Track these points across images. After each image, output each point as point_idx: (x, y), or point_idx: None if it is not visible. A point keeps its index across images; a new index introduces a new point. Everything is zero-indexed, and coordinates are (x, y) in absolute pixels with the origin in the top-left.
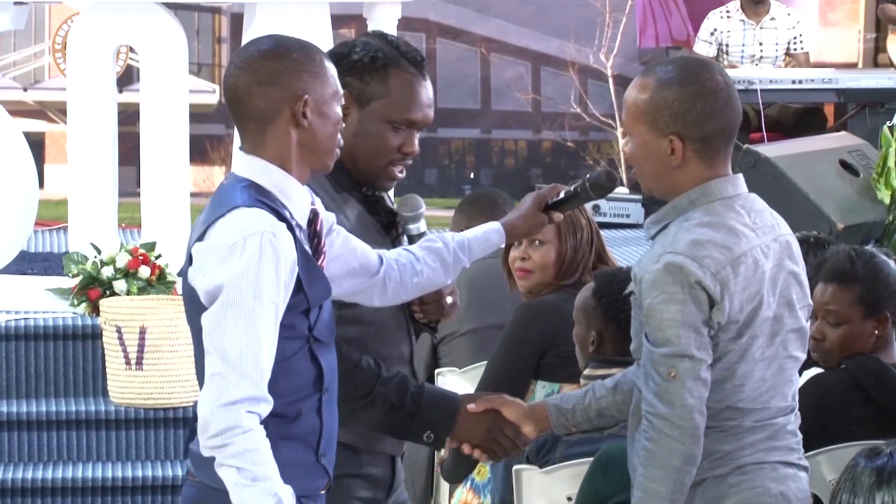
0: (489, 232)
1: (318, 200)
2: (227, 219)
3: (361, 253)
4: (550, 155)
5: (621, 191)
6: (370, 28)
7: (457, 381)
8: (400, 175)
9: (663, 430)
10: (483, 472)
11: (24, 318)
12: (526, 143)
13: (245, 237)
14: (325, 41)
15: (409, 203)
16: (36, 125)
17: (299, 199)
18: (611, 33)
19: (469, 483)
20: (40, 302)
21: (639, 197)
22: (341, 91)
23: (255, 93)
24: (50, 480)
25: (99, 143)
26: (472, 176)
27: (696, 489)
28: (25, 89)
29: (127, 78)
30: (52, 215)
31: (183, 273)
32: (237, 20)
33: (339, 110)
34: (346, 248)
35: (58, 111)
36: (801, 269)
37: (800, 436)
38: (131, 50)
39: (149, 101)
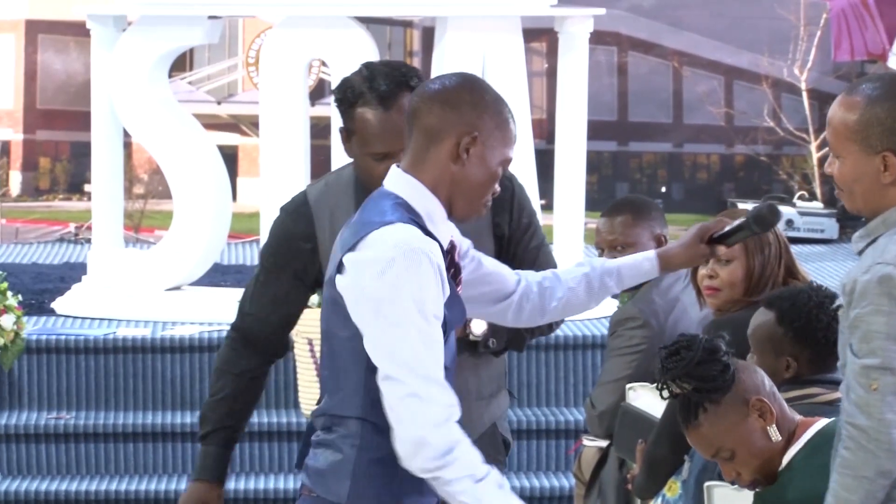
0: (642, 261)
1: (456, 231)
2: (383, 232)
3: (494, 278)
4: (743, 169)
5: (815, 206)
6: (560, 42)
7: (649, 395)
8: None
9: (861, 442)
10: (674, 488)
11: (218, 330)
12: (718, 157)
13: (405, 251)
14: (516, 56)
15: None
16: (229, 138)
17: (444, 228)
18: (805, 46)
19: (660, 499)
20: (233, 314)
21: (833, 212)
22: (510, 156)
23: (434, 109)
24: (252, 491)
25: (291, 156)
26: (663, 190)
27: None
28: (219, 103)
29: (319, 91)
30: (244, 228)
31: (330, 280)
32: (429, 34)
33: (499, 172)
34: (476, 275)
35: (251, 124)
36: None
37: None
38: (323, 63)
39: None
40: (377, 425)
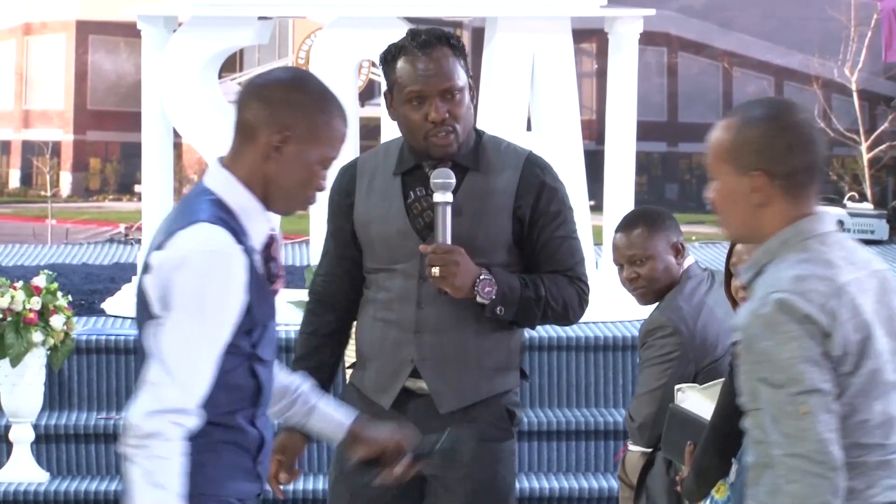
0: (341, 417)
1: (277, 225)
2: (188, 231)
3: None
4: None
5: (866, 207)
6: (610, 43)
7: (697, 396)
8: (445, 141)
9: (805, 469)
10: (722, 489)
11: None
12: None
13: (199, 252)
14: (566, 56)
15: (439, 174)
16: None
17: (259, 223)
18: (855, 47)
19: (709, 500)
20: (282, 314)
21: (883, 213)
22: (332, 156)
23: (251, 105)
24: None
25: (341, 157)
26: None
27: None
28: None
29: (368, 92)
30: (293, 228)
31: (139, 279)
32: (478, 35)
33: (319, 171)
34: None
35: None
36: None
37: None
38: (373, 64)
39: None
40: None
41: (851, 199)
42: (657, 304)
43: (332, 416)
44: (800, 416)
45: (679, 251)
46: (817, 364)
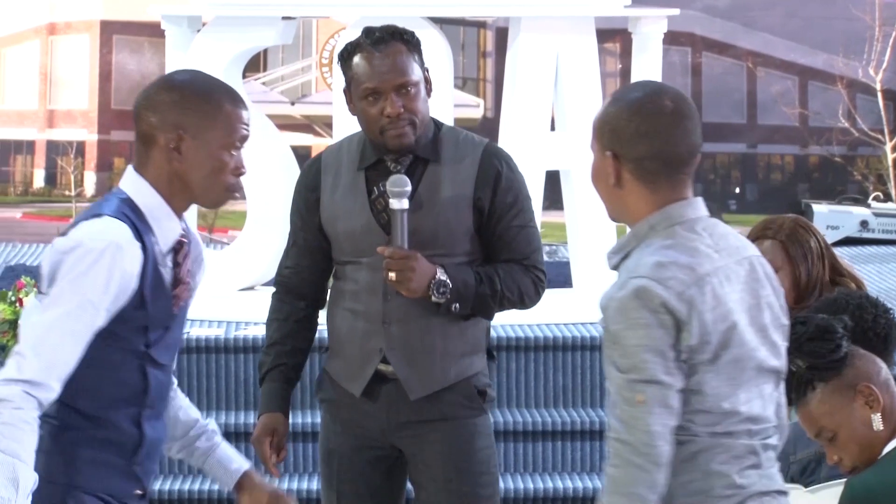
0: (235, 465)
1: (195, 237)
2: (90, 222)
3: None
4: (818, 170)
5: (890, 207)
6: (634, 43)
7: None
8: (400, 133)
9: (626, 456)
10: None
11: None
12: (793, 157)
13: (92, 239)
14: (590, 56)
15: (395, 182)
16: (303, 139)
17: (167, 226)
18: (880, 47)
19: None
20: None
21: None
22: (238, 137)
23: (142, 115)
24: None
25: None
26: (737, 191)
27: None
28: (293, 103)
29: None
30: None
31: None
32: (502, 34)
33: (227, 156)
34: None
35: (324, 125)
36: (770, 290)
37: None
38: None
39: None
40: (65, 403)
41: (876, 198)
42: None
43: (227, 464)
44: (635, 403)
45: None
46: (662, 355)
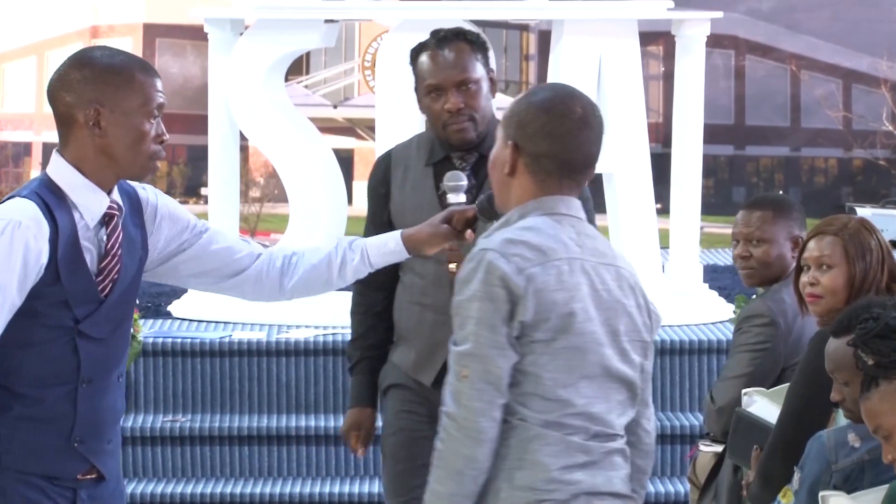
0: (387, 240)
1: (149, 199)
2: (3, 205)
3: (224, 254)
4: (861, 173)
5: None
6: (677, 46)
7: (765, 401)
8: (461, 128)
9: (451, 431)
10: (789, 495)
11: (333, 333)
12: (836, 161)
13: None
14: (632, 59)
15: (451, 177)
16: (345, 142)
17: (91, 200)
18: None
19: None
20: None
21: None
22: (155, 105)
23: (57, 97)
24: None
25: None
26: (780, 193)
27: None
28: (335, 106)
29: None
30: (359, 231)
31: None
32: (545, 37)
33: (146, 125)
34: (203, 251)
35: (366, 128)
36: (635, 303)
37: (624, 468)
38: None
39: None
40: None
41: None
42: (759, 293)
43: (383, 247)
44: (461, 377)
45: (797, 244)
46: (492, 329)
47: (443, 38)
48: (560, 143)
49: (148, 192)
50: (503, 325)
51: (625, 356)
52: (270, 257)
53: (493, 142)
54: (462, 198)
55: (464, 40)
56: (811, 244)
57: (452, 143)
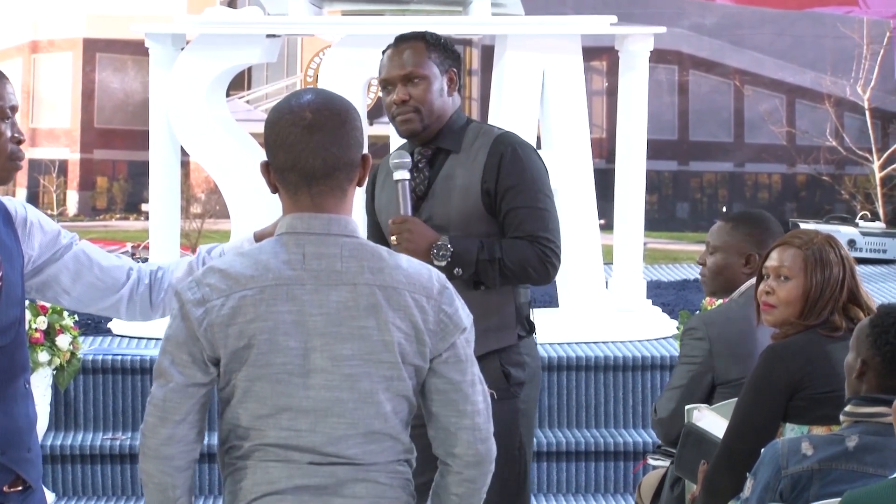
0: (243, 239)
1: (17, 210)
2: None
3: (99, 272)
4: (805, 189)
5: (878, 226)
6: (621, 61)
7: (713, 416)
8: (407, 120)
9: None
10: None
11: None
12: (780, 176)
13: None
14: (576, 74)
15: (396, 155)
16: None
17: None
18: (868, 65)
19: None
20: None
21: None
22: (8, 105)
23: None
24: None
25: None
26: (724, 210)
27: None
28: None
29: (377, 110)
30: None
31: None
32: (488, 53)
33: (2, 126)
34: (78, 261)
35: None
36: (384, 323)
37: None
38: None
39: None
40: None
41: (863, 217)
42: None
43: (239, 243)
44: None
45: (749, 261)
46: (179, 349)
47: (401, 38)
48: (294, 153)
49: (15, 203)
50: (193, 345)
51: (349, 379)
52: (139, 274)
53: (451, 136)
54: (405, 174)
55: (420, 39)
56: (774, 254)
57: (400, 133)
